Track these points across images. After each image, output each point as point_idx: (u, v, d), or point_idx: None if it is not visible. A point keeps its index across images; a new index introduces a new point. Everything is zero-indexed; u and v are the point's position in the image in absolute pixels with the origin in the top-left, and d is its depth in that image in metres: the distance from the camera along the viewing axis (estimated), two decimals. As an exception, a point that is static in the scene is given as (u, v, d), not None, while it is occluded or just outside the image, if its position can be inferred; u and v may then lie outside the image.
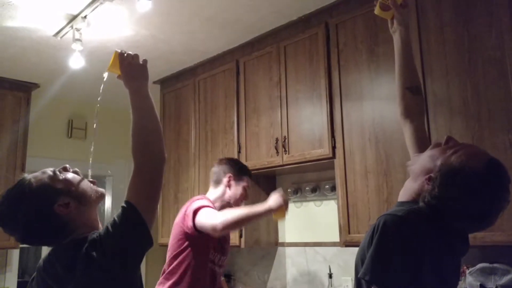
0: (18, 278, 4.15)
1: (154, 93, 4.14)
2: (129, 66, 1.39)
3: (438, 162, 1.24)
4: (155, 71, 3.86)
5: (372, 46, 2.57)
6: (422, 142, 1.48)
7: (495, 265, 2.03)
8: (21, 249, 4.23)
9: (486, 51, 2.10)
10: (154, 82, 4.08)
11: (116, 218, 1.20)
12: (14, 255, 4.08)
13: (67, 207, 1.26)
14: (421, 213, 1.23)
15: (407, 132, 1.54)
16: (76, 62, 3.12)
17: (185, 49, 3.43)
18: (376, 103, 2.52)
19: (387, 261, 1.16)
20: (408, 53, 1.58)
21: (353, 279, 1.34)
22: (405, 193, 1.35)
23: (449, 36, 2.24)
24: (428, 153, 1.32)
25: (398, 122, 2.37)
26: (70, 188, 1.29)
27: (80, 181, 1.33)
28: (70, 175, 1.32)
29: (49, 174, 1.30)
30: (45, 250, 5.36)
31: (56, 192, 1.26)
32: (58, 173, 1.31)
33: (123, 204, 1.22)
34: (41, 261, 1.33)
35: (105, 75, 1.48)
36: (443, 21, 2.27)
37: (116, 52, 1.42)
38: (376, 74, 2.53)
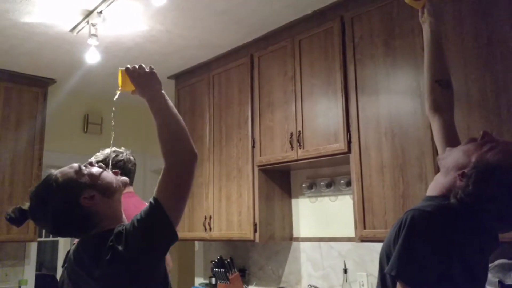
0: (36, 271, 4.21)
1: (168, 89, 4.17)
2: (139, 77, 1.40)
3: (473, 158, 1.20)
4: (170, 66, 3.87)
5: (388, 39, 2.54)
6: (452, 138, 1.44)
7: (514, 261, 2.00)
8: (39, 243, 4.30)
9: (506, 44, 2.06)
10: (169, 77, 4.10)
11: (142, 214, 1.22)
12: (32, 249, 4.15)
13: (92, 199, 1.30)
14: (451, 210, 1.20)
15: (435, 127, 1.49)
16: (92, 57, 3.14)
17: (200, 44, 3.43)
18: (393, 97, 2.49)
19: (414, 257, 1.14)
20: (438, 45, 1.53)
21: (378, 274, 1.32)
22: (435, 187, 1.31)
23: (467, 29, 2.21)
24: (462, 147, 1.28)
25: (414, 116, 2.37)
26: (95, 182, 1.33)
27: (104, 173, 1.36)
28: (94, 169, 1.36)
29: (74, 169, 1.34)
30: (62, 244, 5.43)
31: (81, 186, 1.30)
32: (83, 167, 1.35)
33: (151, 200, 1.24)
34: (70, 252, 1.38)
35: (117, 94, 1.48)
36: (462, 14, 2.23)
37: (121, 70, 1.43)
38: (393, 68, 2.50)
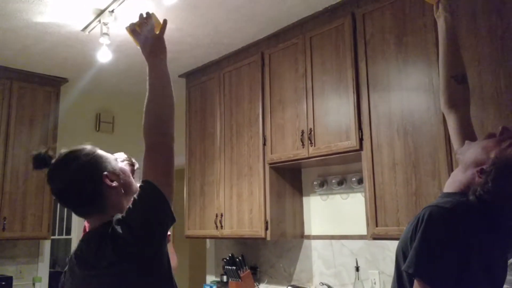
0: (50, 268, 4.26)
1: (179, 87, 4.19)
2: (146, 40, 1.38)
3: (492, 155, 1.19)
4: (181, 65, 3.88)
5: (400, 36, 2.52)
6: (468, 134, 1.42)
7: (529, 259, 1.97)
8: (52, 241, 4.35)
9: (521, 39, 2.03)
10: (180, 76, 4.11)
11: (136, 197, 1.22)
12: (46, 246, 4.19)
13: (112, 183, 1.30)
14: (469, 206, 1.18)
15: (451, 123, 1.48)
16: (103, 56, 3.16)
17: (211, 42, 3.44)
18: (405, 94, 2.47)
19: (432, 255, 1.13)
20: (453, 40, 1.51)
21: (394, 271, 1.31)
22: (452, 184, 1.30)
23: (481, 24, 2.18)
24: (480, 143, 1.26)
25: (427, 112, 2.35)
26: (123, 173, 1.34)
27: (132, 175, 1.39)
28: (127, 167, 1.40)
29: (114, 157, 1.37)
30: (75, 241, 5.48)
31: (111, 166, 1.32)
32: (120, 161, 1.39)
33: (142, 184, 1.24)
34: (71, 253, 1.35)
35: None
36: (476, 9, 2.21)
37: (128, 30, 1.41)
38: (404, 65, 2.48)
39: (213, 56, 3.71)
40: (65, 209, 6.95)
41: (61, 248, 6.24)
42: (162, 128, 1.28)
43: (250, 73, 3.45)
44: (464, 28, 2.23)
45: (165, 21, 1.40)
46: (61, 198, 1.30)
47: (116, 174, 1.32)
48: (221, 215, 3.52)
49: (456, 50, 1.50)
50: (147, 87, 1.32)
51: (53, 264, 4.62)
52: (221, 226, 3.51)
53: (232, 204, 3.47)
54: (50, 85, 4.10)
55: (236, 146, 3.50)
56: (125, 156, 2.66)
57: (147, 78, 1.33)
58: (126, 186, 1.34)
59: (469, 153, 1.27)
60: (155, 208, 1.20)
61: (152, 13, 1.40)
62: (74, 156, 1.29)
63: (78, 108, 4.51)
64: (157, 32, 1.39)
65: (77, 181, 1.27)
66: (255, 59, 3.41)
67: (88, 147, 1.33)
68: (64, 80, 4.16)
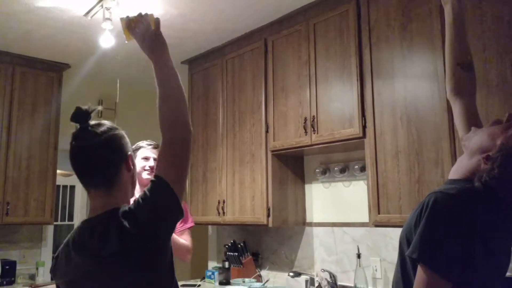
0: (53, 253, 4.29)
1: (182, 73, 4.16)
2: (144, 38, 1.36)
3: (499, 141, 1.19)
4: (184, 51, 3.87)
5: (405, 22, 2.49)
6: (474, 122, 1.41)
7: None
8: (55, 226, 4.37)
9: (527, 26, 2.01)
10: (182, 62, 4.09)
11: (146, 191, 1.21)
12: (49, 231, 4.22)
13: (130, 167, 1.31)
14: (475, 193, 1.19)
15: (457, 111, 1.47)
16: (106, 41, 3.14)
17: (214, 28, 3.42)
18: (409, 81, 2.46)
19: (436, 240, 1.13)
20: (460, 27, 1.50)
21: (397, 257, 1.31)
22: (458, 170, 1.30)
23: (487, 11, 2.16)
24: (487, 130, 1.26)
25: (431, 100, 2.34)
26: (135, 166, 1.36)
27: (140, 172, 1.40)
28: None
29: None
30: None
31: (131, 152, 1.34)
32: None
33: (153, 179, 1.23)
34: (69, 238, 1.32)
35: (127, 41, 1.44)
36: (481, -5, 2.18)
37: (122, 20, 1.39)
38: (409, 52, 2.46)
39: (216, 42, 3.69)
40: (68, 196, 6.98)
41: (63, 234, 6.28)
42: (179, 121, 1.27)
43: (253, 60, 3.43)
44: (469, 15, 2.21)
45: (157, 19, 1.37)
46: (81, 155, 1.27)
47: (133, 163, 1.34)
48: (223, 202, 3.53)
49: (463, 37, 1.49)
50: (156, 84, 1.31)
51: (56, 249, 4.65)
52: (223, 213, 3.52)
53: (234, 191, 3.48)
54: (52, 70, 4.09)
55: (239, 133, 3.50)
56: (153, 142, 2.62)
57: (154, 75, 1.32)
58: (134, 179, 1.36)
59: (475, 140, 1.27)
60: (164, 205, 1.20)
61: (151, 14, 1.38)
62: (113, 127, 1.32)
63: (81, 94, 4.50)
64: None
65: (108, 145, 1.27)
66: (258, 45, 3.39)
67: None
68: (66, 66, 4.15)
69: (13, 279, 3.71)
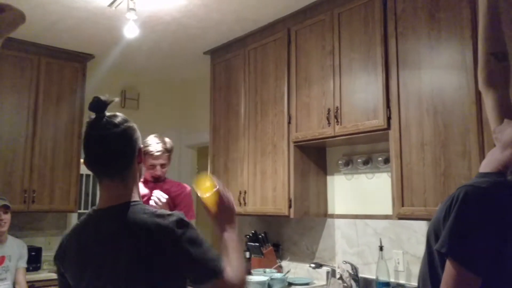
0: (77, 240, 4.37)
1: (204, 64, 4.19)
2: (225, 210, 1.35)
3: None
4: (206, 42, 3.87)
5: (432, 11, 2.44)
6: (507, 114, 1.37)
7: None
8: (79, 214, 4.45)
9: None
10: (205, 53, 4.09)
11: (192, 251, 1.19)
12: (73, 219, 4.30)
13: (140, 160, 1.33)
14: (507, 187, 1.16)
15: (489, 103, 1.43)
16: (130, 31, 3.16)
17: (237, 18, 3.40)
18: (436, 72, 2.41)
19: (466, 235, 1.11)
20: (495, 15, 1.45)
21: (424, 251, 1.29)
22: (489, 163, 1.27)
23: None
24: None
25: (459, 91, 2.29)
26: (143, 161, 1.37)
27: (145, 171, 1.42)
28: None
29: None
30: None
31: (142, 145, 1.36)
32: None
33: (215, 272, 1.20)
34: (80, 226, 1.32)
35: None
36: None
37: (218, 190, 1.35)
38: (437, 42, 2.41)
39: (238, 32, 3.67)
40: (91, 185, 7.10)
41: (87, 221, 6.37)
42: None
43: (276, 50, 3.41)
44: (501, 3, 2.14)
45: (219, 192, 1.35)
46: (98, 145, 1.28)
47: (141, 153, 1.35)
48: (245, 192, 3.54)
49: (497, 25, 1.44)
50: (223, 255, 1.28)
51: (79, 237, 4.74)
52: (245, 203, 3.53)
53: (255, 181, 3.48)
54: (76, 61, 4.14)
55: (261, 123, 3.49)
56: (162, 149, 2.63)
57: (221, 246, 1.31)
58: (141, 172, 1.37)
59: (508, 132, 1.23)
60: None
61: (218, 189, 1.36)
62: (127, 119, 1.33)
63: (104, 85, 4.54)
64: (207, 195, 1.35)
65: (124, 136, 1.29)
66: (281, 35, 3.37)
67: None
68: (90, 56, 4.19)
69: (39, 265, 3.80)
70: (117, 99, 1.34)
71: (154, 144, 2.64)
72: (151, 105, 4.82)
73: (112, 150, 1.27)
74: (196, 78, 4.75)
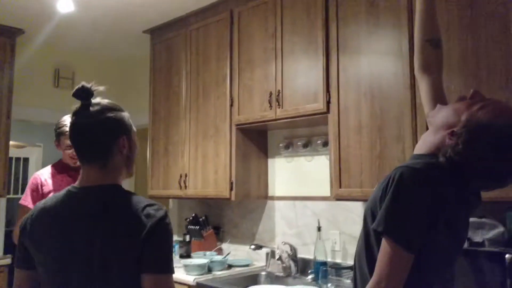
0: (6, 226, 4.14)
1: (143, 44, 4.06)
2: None
3: (463, 117, 1.20)
4: (146, 20, 3.74)
5: (372, -2, 2.50)
6: (439, 98, 1.43)
7: (483, 220, 2.07)
8: (8, 199, 4.21)
9: (490, 6, 2.06)
10: (144, 32, 3.97)
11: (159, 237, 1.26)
12: (1, 204, 4.06)
13: (124, 148, 1.35)
14: (439, 168, 1.21)
15: (424, 87, 1.48)
16: (64, 6, 3.00)
17: (178, -3, 3.31)
18: (374, 58, 2.48)
19: (401, 213, 1.15)
20: (431, 3, 1.49)
21: (361, 230, 1.33)
22: (423, 145, 1.31)
23: (452, -10, 2.19)
24: (452, 106, 1.27)
25: (395, 77, 2.37)
26: (134, 148, 1.39)
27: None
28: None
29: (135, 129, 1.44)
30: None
31: (130, 134, 1.38)
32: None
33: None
34: (53, 202, 1.35)
35: None
36: (447, -26, 2.21)
37: None
38: (375, 28, 2.48)
39: (180, 11, 3.58)
40: (21, 169, 6.72)
41: (16, 207, 6.06)
42: None
43: (219, 31, 3.37)
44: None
45: None
46: (77, 133, 1.34)
47: (129, 143, 1.37)
48: (185, 176, 3.50)
49: (433, 14, 1.49)
50: None
51: (8, 223, 4.49)
52: (185, 186, 3.50)
53: (197, 164, 3.44)
54: (4, 35, 3.86)
55: (203, 106, 3.45)
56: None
57: None
58: (129, 160, 1.38)
59: (440, 116, 1.28)
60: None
61: None
62: (112, 107, 1.36)
63: (36, 62, 4.29)
64: None
65: (101, 125, 1.32)
66: (224, 16, 3.32)
67: (116, 104, 1.40)
68: (20, 31, 3.92)
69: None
70: (102, 88, 1.35)
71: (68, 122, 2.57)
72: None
73: (88, 139, 1.33)
74: (135, 57, 4.60)
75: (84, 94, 1.33)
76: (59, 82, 4.46)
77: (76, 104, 1.34)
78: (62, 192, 1.36)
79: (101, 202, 1.29)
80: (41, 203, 1.39)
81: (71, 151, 2.51)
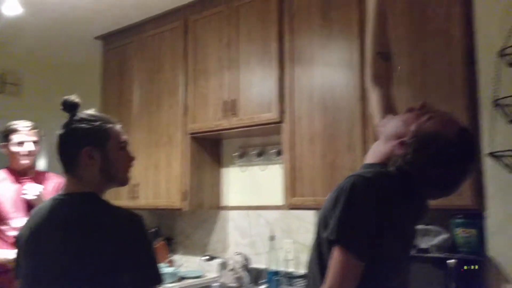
0: None
1: (94, 50, 3.95)
2: None
3: (412, 128, 1.22)
4: (98, 26, 3.65)
5: (326, 10, 2.56)
6: (390, 109, 1.46)
7: (429, 227, 2.14)
8: None
9: (435, 22, 2.16)
10: (96, 38, 3.87)
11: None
12: None
13: (91, 159, 1.34)
14: (389, 176, 1.23)
15: (374, 99, 1.51)
16: (11, 8, 2.88)
17: (133, 3, 3.25)
18: (327, 69, 2.53)
19: (353, 222, 1.16)
20: (382, 17, 1.54)
21: (313, 239, 1.32)
22: (374, 155, 1.33)
23: (400, 4, 2.28)
24: (401, 117, 1.30)
25: (347, 88, 2.43)
26: (112, 160, 1.38)
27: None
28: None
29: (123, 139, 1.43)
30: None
31: (104, 144, 1.37)
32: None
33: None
34: (36, 211, 1.40)
35: None
36: (396, -10, 2.30)
37: None
38: (328, 40, 2.54)
39: (134, 18, 3.52)
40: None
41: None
42: None
43: (173, 39, 3.34)
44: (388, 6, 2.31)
45: None
46: (56, 142, 1.39)
47: (101, 156, 1.35)
48: (136, 185, 3.41)
49: (384, 27, 1.54)
50: None
51: None
52: (136, 197, 3.41)
53: (148, 174, 3.37)
54: None
55: (155, 114, 3.39)
56: (30, 124, 2.49)
57: None
58: (106, 172, 1.37)
59: (390, 126, 1.31)
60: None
61: None
62: (86, 118, 1.37)
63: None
64: None
65: (67, 136, 1.37)
66: (179, 25, 3.30)
67: (99, 115, 1.41)
68: (-40, 33, 3.72)
69: None
70: (77, 100, 1.39)
71: (19, 122, 2.51)
72: (35, 91, 4.42)
73: (59, 149, 1.38)
74: (87, 64, 4.46)
75: (66, 107, 1.37)
76: (5, 88, 4.26)
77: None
78: (50, 198, 1.42)
79: (74, 210, 1.31)
80: (34, 210, 1.46)
81: (21, 149, 2.44)
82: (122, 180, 1.43)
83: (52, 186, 2.56)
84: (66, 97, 1.38)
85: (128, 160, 1.43)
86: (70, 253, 1.25)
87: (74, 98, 1.39)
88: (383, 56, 1.52)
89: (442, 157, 1.19)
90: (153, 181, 3.33)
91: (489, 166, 1.93)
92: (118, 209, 1.33)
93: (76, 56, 4.34)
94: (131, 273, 1.24)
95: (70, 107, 1.38)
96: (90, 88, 4.29)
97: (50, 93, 4.50)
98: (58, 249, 1.28)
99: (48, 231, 1.32)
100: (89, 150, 1.34)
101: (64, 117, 1.41)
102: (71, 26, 3.62)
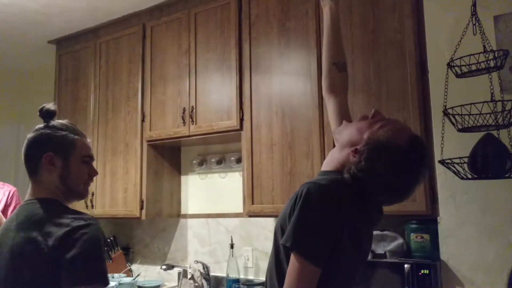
0: None
1: (48, 54, 3.83)
2: None
3: (365, 136, 1.25)
4: (52, 30, 3.54)
5: (283, 20, 2.59)
6: (345, 117, 1.50)
7: (385, 232, 2.20)
8: None
9: (389, 34, 2.23)
10: (49, 42, 3.75)
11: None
12: None
13: (52, 165, 1.37)
14: (344, 183, 1.25)
15: (330, 107, 1.55)
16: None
17: (88, 7, 3.18)
18: (285, 78, 2.56)
19: (308, 229, 1.17)
20: (337, 29, 1.58)
21: (272, 246, 1.33)
22: (330, 162, 1.35)
23: (356, 16, 2.34)
24: (355, 125, 1.33)
25: (304, 96, 2.46)
26: (72, 168, 1.40)
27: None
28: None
29: (86, 145, 1.45)
30: None
31: (66, 151, 1.39)
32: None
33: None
34: (23, 216, 1.36)
35: None
36: (352, 1, 2.35)
37: None
38: (286, 49, 2.56)
39: (89, 22, 3.44)
40: None
41: None
42: None
43: (130, 45, 3.28)
44: (341, 19, 2.36)
45: None
46: (25, 147, 1.43)
47: (63, 163, 1.38)
48: (92, 194, 3.32)
49: (338, 38, 1.58)
50: None
51: None
52: (92, 206, 3.32)
53: (105, 182, 3.29)
54: None
55: (112, 121, 3.32)
56: None
57: None
58: (65, 180, 1.39)
59: (345, 134, 1.35)
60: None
61: None
62: (56, 125, 1.41)
63: None
64: None
65: (31, 143, 1.40)
66: (136, 30, 3.25)
67: (70, 125, 1.44)
68: None
69: None
70: (53, 108, 1.44)
71: None
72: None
73: (23, 153, 1.42)
74: (39, 68, 4.33)
75: (42, 114, 1.42)
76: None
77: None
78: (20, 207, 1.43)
79: (30, 215, 1.32)
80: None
81: None
82: (79, 193, 1.44)
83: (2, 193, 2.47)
84: (44, 104, 1.43)
85: (89, 174, 1.44)
86: (20, 259, 1.27)
87: (50, 106, 1.43)
88: (338, 66, 1.56)
89: (394, 164, 1.21)
90: (110, 189, 3.25)
91: (441, 173, 2.01)
92: (71, 212, 1.32)
93: (29, 60, 4.20)
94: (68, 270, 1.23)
95: (46, 114, 1.42)
96: (43, 93, 4.16)
97: (0, 99, 4.33)
98: (13, 253, 1.29)
99: (8, 236, 1.33)
100: (50, 156, 1.37)
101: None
102: (22, 29, 3.49)
